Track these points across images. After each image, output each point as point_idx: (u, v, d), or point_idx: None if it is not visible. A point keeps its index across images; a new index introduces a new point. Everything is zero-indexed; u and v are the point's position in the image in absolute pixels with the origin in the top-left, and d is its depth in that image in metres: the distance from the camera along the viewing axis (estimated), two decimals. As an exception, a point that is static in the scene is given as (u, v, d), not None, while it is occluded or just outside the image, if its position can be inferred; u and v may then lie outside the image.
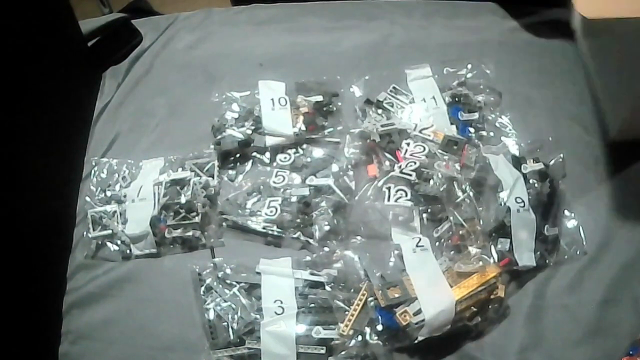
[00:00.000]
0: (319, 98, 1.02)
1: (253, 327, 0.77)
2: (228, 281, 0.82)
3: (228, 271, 0.83)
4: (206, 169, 0.95)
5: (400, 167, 0.89)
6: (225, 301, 0.80)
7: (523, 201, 0.84)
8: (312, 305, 0.79)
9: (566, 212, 0.88)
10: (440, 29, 1.19)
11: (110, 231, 0.89)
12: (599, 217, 0.88)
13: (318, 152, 0.97)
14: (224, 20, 1.25)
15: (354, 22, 1.21)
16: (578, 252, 0.84)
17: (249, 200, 0.91)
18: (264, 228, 0.88)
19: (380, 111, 1.01)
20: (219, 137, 0.97)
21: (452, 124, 0.98)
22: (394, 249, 0.84)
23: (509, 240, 0.81)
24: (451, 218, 0.85)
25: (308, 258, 0.85)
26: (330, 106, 1.02)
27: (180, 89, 1.11)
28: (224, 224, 0.90)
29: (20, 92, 0.89)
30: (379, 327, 0.76)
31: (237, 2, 1.35)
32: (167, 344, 0.79)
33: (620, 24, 0.74)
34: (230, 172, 0.96)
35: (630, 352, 0.74)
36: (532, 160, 0.91)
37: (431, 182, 0.88)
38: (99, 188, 0.95)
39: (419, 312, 0.75)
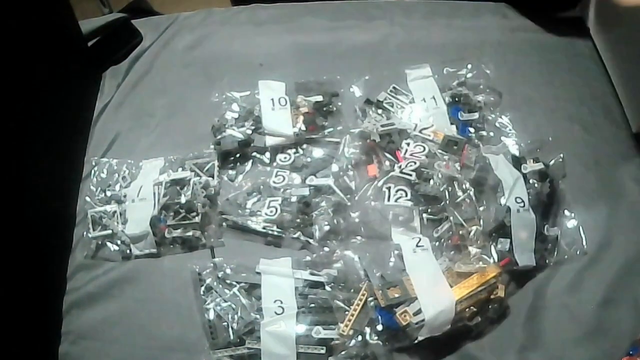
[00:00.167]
0: (319, 98, 1.02)
1: (253, 327, 0.78)
2: (228, 281, 0.82)
3: (228, 271, 0.83)
4: (206, 169, 0.95)
5: (400, 167, 0.89)
6: (225, 301, 0.80)
7: (523, 201, 0.84)
8: (312, 305, 0.79)
9: (566, 212, 0.88)
10: (440, 29, 1.19)
11: (110, 231, 0.90)
12: (599, 217, 0.88)
13: (318, 152, 0.97)
14: (224, 20, 1.25)
15: (354, 22, 1.21)
16: (578, 252, 0.84)
17: (249, 200, 0.91)
18: (264, 228, 0.88)
19: (380, 111, 1.01)
20: (219, 137, 0.97)
21: (452, 124, 0.98)
22: (394, 249, 0.84)
23: (509, 240, 0.81)
24: (451, 218, 0.85)
25: (308, 258, 0.85)
26: (330, 106, 1.02)
27: (180, 89, 1.11)
28: (224, 224, 0.90)
29: (20, 92, 0.89)
30: (379, 327, 0.76)
31: (237, 2, 1.35)
32: (167, 344, 0.79)
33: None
34: (230, 172, 0.96)
35: (630, 352, 0.74)
36: (532, 160, 0.91)
37: (431, 182, 0.88)
38: (99, 188, 0.95)
39: (419, 312, 0.75)
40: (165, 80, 1.13)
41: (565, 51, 1.14)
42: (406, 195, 0.87)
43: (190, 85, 1.12)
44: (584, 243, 0.85)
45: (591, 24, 1.12)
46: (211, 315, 0.80)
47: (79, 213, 0.94)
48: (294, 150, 0.98)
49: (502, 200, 0.84)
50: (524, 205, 0.83)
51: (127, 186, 0.94)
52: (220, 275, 0.83)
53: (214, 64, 1.15)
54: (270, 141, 0.97)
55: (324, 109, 1.02)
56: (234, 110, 1.02)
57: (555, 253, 0.84)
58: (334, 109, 1.03)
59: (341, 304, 0.78)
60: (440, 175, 0.88)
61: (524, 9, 1.21)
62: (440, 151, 0.93)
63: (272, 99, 1.01)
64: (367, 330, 0.76)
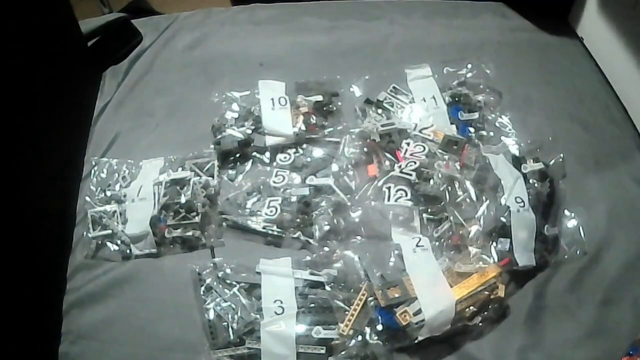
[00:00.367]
0: (319, 98, 1.02)
1: (253, 327, 0.77)
2: (228, 281, 0.82)
3: (228, 271, 0.83)
4: (206, 168, 0.95)
5: (400, 167, 0.89)
6: (225, 301, 0.80)
7: (523, 201, 0.84)
8: (312, 305, 0.79)
9: (566, 212, 0.88)
10: (440, 29, 1.19)
11: (110, 231, 0.89)
12: (599, 217, 0.88)
13: (318, 152, 0.97)
14: (224, 20, 1.25)
15: (354, 22, 1.21)
16: (578, 252, 0.84)
17: (249, 200, 0.91)
18: (264, 228, 0.88)
19: (380, 111, 1.01)
20: (219, 137, 0.97)
21: (452, 123, 0.98)
22: (394, 249, 0.84)
23: (509, 240, 0.81)
24: (451, 218, 0.85)
25: (308, 258, 0.85)
26: (330, 106, 1.02)
27: (180, 89, 1.11)
28: (224, 224, 0.90)
29: (20, 92, 0.89)
30: (379, 327, 0.76)
31: (237, 2, 1.36)
32: (167, 344, 0.79)
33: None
34: (230, 172, 0.96)
35: (630, 352, 0.74)
36: (532, 160, 0.91)
37: (431, 182, 0.88)
38: (99, 188, 0.95)
39: (419, 312, 0.75)
40: (165, 80, 1.13)
41: (565, 51, 1.14)
42: (406, 195, 0.87)
43: (190, 85, 1.12)
44: (584, 243, 0.85)
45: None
46: (211, 315, 0.79)
47: (79, 213, 0.94)
48: (294, 150, 0.98)
49: (502, 200, 0.84)
50: (524, 205, 0.83)
51: (127, 186, 0.94)
52: (220, 275, 0.83)
53: (214, 64, 1.15)
54: (270, 141, 0.97)
55: (324, 108, 1.02)
56: (234, 110, 1.02)
57: (555, 253, 0.84)
58: (334, 108, 1.03)
59: (341, 304, 0.78)
60: (440, 175, 0.88)
61: (523, 9, 1.22)
62: (440, 151, 0.93)
63: (272, 99, 1.01)
64: (367, 330, 0.76)
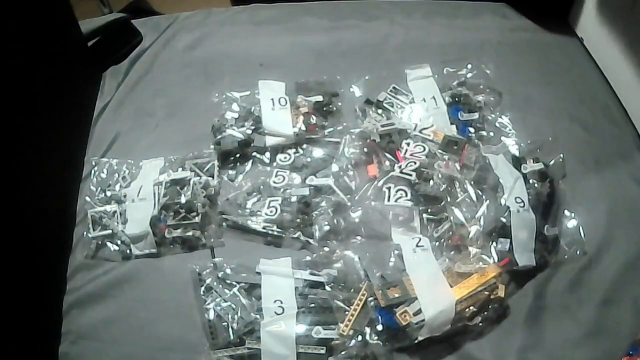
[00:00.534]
0: (319, 98, 1.02)
1: (253, 327, 0.77)
2: (228, 281, 0.82)
3: (228, 271, 0.83)
4: (206, 169, 0.95)
5: (400, 167, 0.89)
6: (225, 301, 0.80)
7: (523, 201, 0.84)
8: (312, 305, 0.79)
9: (566, 212, 0.88)
10: (440, 29, 1.19)
11: (110, 231, 0.89)
12: (599, 217, 0.88)
13: (318, 152, 0.97)
14: (224, 20, 1.25)
15: (354, 22, 1.21)
16: (578, 252, 0.84)
17: (249, 200, 0.91)
18: (264, 228, 0.88)
19: (380, 111, 1.01)
20: (219, 137, 0.97)
21: (452, 124, 0.98)
22: (394, 249, 0.84)
23: (509, 240, 0.81)
24: (451, 218, 0.85)
25: (308, 258, 0.85)
26: (330, 106, 1.03)
27: (180, 89, 1.11)
28: (224, 224, 0.90)
29: (20, 92, 0.89)
30: (379, 327, 0.76)
31: (237, 2, 1.36)
32: (167, 344, 0.79)
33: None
34: (230, 172, 0.96)
35: (630, 352, 0.74)
36: (532, 160, 0.91)
37: (431, 182, 0.88)
38: (99, 188, 0.95)
39: (419, 312, 0.74)
40: (165, 80, 1.13)
41: (565, 51, 1.14)
42: (406, 195, 0.87)
43: (190, 85, 1.12)
44: (584, 243, 0.85)
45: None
46: (211, 315, 0.79)
47: (79, 213, 0.94)
48: (294, 150, 0.98)
49: (502, 201, 0.84)
50: (523, 205, 0.83)
51: (127, 186, 0.94)
52: (220, 275, 0.83)
53: (214, 64, 1.15)
54: (270, 141, 0.97)
55: (324, 109, 1.02)
56: (234, 110, 1.02)
57: (555, 253, 0.84)
58: (334, 109, 1.03)
59: (341, 304, 0.78)
60: (440, 175, 0.88)
61: (524, 9, 1.22)
62: (440, 151, 0.93)
63: (272, 99, 1.01)
64: (367, 330, 0.76)
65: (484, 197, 0.87)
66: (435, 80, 1.05)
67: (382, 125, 0.95)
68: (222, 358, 0.76)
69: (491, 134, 0.98)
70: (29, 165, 0.90)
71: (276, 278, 0.82)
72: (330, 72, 1.09)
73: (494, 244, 0.82)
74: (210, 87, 1.08)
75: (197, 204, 0.89)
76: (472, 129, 0.98)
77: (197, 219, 0.88)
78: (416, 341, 0.75)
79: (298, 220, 0.88)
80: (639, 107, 1.00)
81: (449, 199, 0.86)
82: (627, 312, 0.79)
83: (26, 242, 0.85)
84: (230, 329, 0.77)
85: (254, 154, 0.98)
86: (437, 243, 0.85)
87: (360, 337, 0.75)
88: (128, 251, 0.88)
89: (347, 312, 0.77)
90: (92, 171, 0.97)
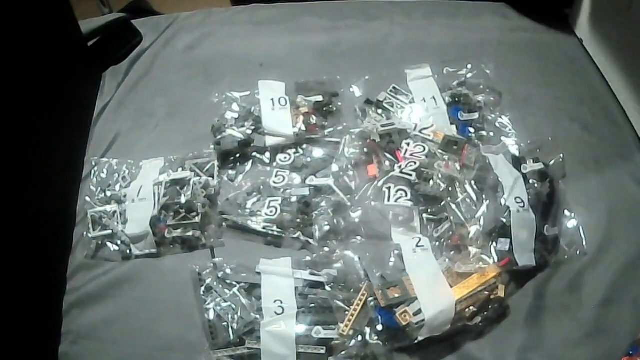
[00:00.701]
0: (319, 98, 1.02)
1: (253, 327, 0.77)
2: (228, 281, 0.82)
3: (228, 271, 0.83)
4: (206, 169, 0.95)
5: (400, 167, 0.89)
6: (225, 301, 0.80)
7: (523, 201, 0.84)
8: (312, 305, 0.79)
9: (566, 212, 0.88)
10: (440, 29, 1.19)
11: (110, 231, 0.89)
12: (599, 217, 0.88)
13: (318, 152, 0.97)
14: (224, 20, 1.25)
15: (354, 22, 1.21)
16: (578, 252, 0.84)
17: (249, 200, 0.91)
18: (264, 228, 0.88)
19: (380, 111, 1.01)
20: (219, 137, 0.97)
21: (452, 124, 0.98)
22: (394, 249, 0.84)
23: (509, 240, 0.81)
24: (451, 218, 0.85)
25: (308, 258, 0.85)
26: (330, 106, 1.03)
27: (180, 89, 1.11)
28: (224, 224, 0.90)
29: (20, 92, 0.89)
30: (379, 327, 0.76)
31: (237, 2, 1.36)
32: (167, 344, 0.79)
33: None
34: (230, 172, 0.96)
35: (630, 352, 0.74)
36: (532, 160, 0.91)
37: (431, 182, 0.88)
38: (99, 188, 0.95)
39: (419, 312, 0.74)
40: (165, 80, 1.13)
41: (565, 51, 1.14)
42: (406, 195, 0.87)
43: (190, 85, 1.12)
44: (584, 243, 0.85)
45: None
46: (211, 315, 0.79)
47: (79, 213, 0.94)
48: (294, 150, 0.98)
49: (502, 201, 0.84)
50: (523, 205, 0.83)
51: (127, 186, 0.94)
52: (220, 275, 0.83)
53: (214, 64, 1.15)
54: (270, 141, 0.97)
55: (324, 109, 1.02)
56: (234, 110, 1.02)
57: (555, 253, 0.84)
58: (334, 109, 1.03)
59: (341, 304, 0.78)
60: (440, 175, 0.88)
61: (524, 9, 1.22)
62: (440, 151, 0.93)
63: (272, 99, 1.01)
64: (367, 330, 0.76)
65: (484, 197, 0.87)
66: (435, 80, 1.05)
67: (382, 125, 0.95)
68: (222, 358, 0.76)
69: (491, 134, 0.98)
70: (29, 165, 0.90)
71: (276, 278, 0.82)
72: (330, 72, 1.09)
73: (494, 244, 0.82)
74: (210, 87, 1.08)
75: (197, 204, 0.89)
76: (472, 129, 0.98)
77: (197, 219, 0.88)
78: (416, 341, 0.75)
79: (298, 220, 0.88)
80: (638, 107, 1.00)
81: (449, 199, 0.86)
82: (627, 312, 0.79)
83: (26, 242, 0.85)
84: (230, 329, 0.77)
85: (254, 154, 0.98)
86: (437, 243, 0.85)
87: (360, 337, 0.75)
88: (128, 251, 0.88)
89: (347, 312, 0.77)
90: (92, 171, 0.97)
